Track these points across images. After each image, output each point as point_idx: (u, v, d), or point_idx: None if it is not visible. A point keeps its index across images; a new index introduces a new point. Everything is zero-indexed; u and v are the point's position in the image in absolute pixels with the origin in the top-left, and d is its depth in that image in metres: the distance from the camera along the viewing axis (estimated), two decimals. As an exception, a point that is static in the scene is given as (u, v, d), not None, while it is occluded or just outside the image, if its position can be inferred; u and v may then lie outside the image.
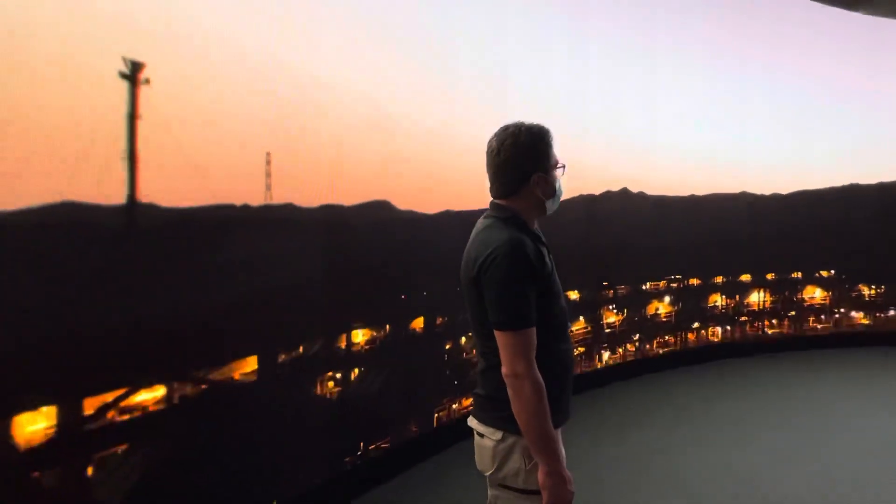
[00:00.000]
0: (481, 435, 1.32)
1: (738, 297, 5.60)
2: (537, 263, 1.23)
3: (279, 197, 2.34)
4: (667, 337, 5.25)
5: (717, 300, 5.50)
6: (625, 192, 4.46)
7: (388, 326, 2.92)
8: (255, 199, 2.26)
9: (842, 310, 5.82)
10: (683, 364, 4.95)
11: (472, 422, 1.37)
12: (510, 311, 1.19)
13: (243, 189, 2.22)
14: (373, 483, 2.72)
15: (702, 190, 5.00)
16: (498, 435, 1.27)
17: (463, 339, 3.36)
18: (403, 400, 3.02)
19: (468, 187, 3.28)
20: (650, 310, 5.08)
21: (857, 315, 5.89)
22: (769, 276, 5.64)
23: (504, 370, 1.20)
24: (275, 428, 2.31)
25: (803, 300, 5.79)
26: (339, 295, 2.66)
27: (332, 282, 2.59)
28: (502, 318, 1.20)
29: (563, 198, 1.37)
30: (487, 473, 1.32)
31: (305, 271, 2.50)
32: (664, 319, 5.21)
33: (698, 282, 5.31)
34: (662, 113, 4.77)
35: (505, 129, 1.31)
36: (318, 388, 2.58)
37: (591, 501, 2.47)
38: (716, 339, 5.52)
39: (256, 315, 2.26)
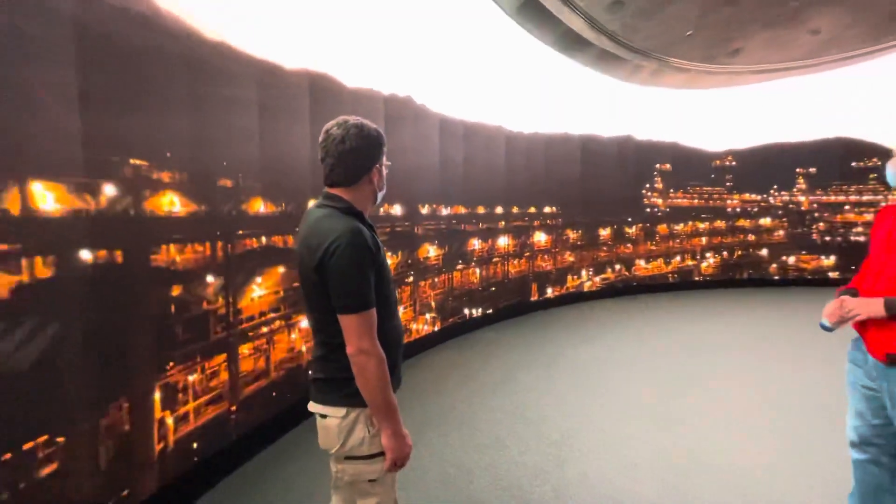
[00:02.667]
0: (324, 416, 1.40)
1: (490, 241, 6.14)
2: (375, 249, 1.33)
3: None
4: (436, 279, 5.31)
5: (476, 243, 5.89)
6: (409, 101, 4.21)
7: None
8: None
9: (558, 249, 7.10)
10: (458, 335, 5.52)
11: (312, 406, 1.43)
12: (355, 295, 1.28)
13: None
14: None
15: (472, 118, 5.23)
16: (342, 412, 1.37)
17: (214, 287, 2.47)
18: (89, 374, 1.88)
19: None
20: (421, 253, 5.04)
21: (568, 253, 7.27)
22: (514, 222, 6.39)
23: (350, 349, 1.30)
24: None
25: (533, 244, 6.79)
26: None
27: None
28: (347, 302, 1.29)
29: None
30: (333, 450, 1.40)
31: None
32: (434, 262, 5.26)
33: (461, 210, 5.55)
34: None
35: (346, 122, 1.37)
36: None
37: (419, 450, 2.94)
38: (475, 280, 5.92)
39: None
